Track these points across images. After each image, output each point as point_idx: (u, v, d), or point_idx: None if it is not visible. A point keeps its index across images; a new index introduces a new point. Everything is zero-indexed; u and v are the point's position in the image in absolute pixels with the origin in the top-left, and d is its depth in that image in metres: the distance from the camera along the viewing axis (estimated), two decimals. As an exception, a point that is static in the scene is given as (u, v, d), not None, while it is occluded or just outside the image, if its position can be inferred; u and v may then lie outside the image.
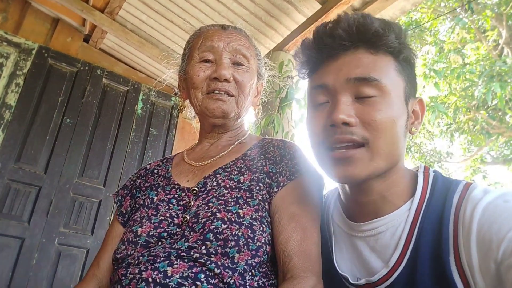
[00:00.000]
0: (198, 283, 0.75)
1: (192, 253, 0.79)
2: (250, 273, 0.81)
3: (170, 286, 0.75)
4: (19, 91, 3.14)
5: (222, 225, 0.81)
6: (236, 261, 0.79)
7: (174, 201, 0.94)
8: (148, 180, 1.07)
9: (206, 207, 0.87)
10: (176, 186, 0.98)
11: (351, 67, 0.80)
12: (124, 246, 0.88)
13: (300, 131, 2.94)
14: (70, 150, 3.26)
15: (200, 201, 0.90)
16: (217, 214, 0.84)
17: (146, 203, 0.97)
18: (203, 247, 0.79)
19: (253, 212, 0.86)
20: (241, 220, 0.83)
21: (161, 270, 0.77)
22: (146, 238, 0.86)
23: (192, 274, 0.76)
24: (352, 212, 0.89)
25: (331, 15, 2.57)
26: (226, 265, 0.78)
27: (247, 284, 0.79)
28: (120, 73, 3.80)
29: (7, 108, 3.07)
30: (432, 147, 9.43)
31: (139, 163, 3.58)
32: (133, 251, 0.86)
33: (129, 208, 1.05)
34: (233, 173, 0.95)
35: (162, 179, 1.04)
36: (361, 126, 0.77)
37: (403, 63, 0.83)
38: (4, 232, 2.86)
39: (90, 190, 3.29)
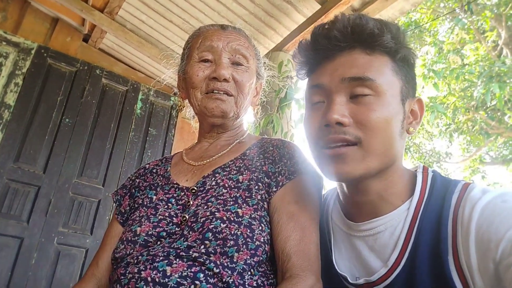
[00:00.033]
0: (197, 282, 0.75)
1: (191, 252, 0.79)
2: (249, 273, 0.81)
3: (169, 286, 0.75)
4: (18, 90, 3.13)
5: (221, 224, 0.81)
6: (235, 260, 0.79)
7: (173, 200, 0.94)
8: (147, 180, 1.07)
9: (205, 207, 0.87)
10: (175, 185, 0.98)
11: (346, 67, 0.80)
12: (123, 246, 0.88)
13: (299, 131, 2.95)
14: (69, 149, 3.26)
15: (199, 200, 0.90)
16: (216, 213, 0.84)
17: (145, 203, 0.97)
18: (202, 247, 0.80)
19: (252, 212, 0.86)
20: (240, 219, 0.83)
21: (160, 269, 0.77)
22: (145, 238, 0.86)
23: (191, 274, 0.76)
24: (350, 211, 0.89)
25: (331, 16, 2.57)
26: (225, 264, 0.78)
27: (246, 283, 0.79)
28: (119, 73, 3.79)
29: (6, 107, 3.06)
30: (431, 147, 9.45)
31: (138, 163, 3.58)
32: (132, 250, 0.86)
33: (128, 208, 1.05)
34: (232, 173, 0.95)
35: (161, 178, 1.04)
36: (355, 126, 0.77)
37: (400, 63, 0.83)
38: (3, 232, 2.85)
39: (89, 190, 3.29)
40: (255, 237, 0.82)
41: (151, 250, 0.83)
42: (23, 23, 3.42)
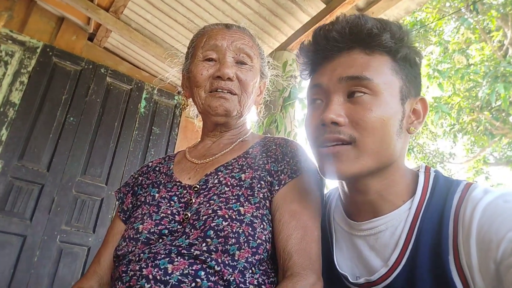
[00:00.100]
0: (198, 280, 0.76)
1: (192, 250, 0.79)
2: (250, 271, 0.81)
3: (171, 283, 0.75)
4: (23, 89, 3.15)
5: (223, 222, 0.82)
6: (236, 258, 0.79)
7: (176, 198, 0.95)
8: (150, 178, 1.08)
9: (207, 205, 0.88)
10: (178, 183, 0.99)
11: (344, 67, 0.81)
12: (125, 243, 0.89)
13: (302, 130, 2.94)
14: (73, 148, 3.28)
15: (201, 198, 0.91)
16: (218, 211, 0.84)
17: (148, 200, 0.98)
18: (204, 244, 0.80)
19: (254, 210, 0.86)
20: (242, 217, 0.83)
21: (162, 267, 0.78)
22: (147, 235, 0.87)
23: (193, 271, 0.77)
24: (351, 211, 0.90)
25: (336, 15, 2.56)
26: (227, 262, 0.78)
27: (247, 281, 0.79)
28: (124, 72, 3.81)
29: (11, 106, 3.08)
30: (435, 147, 9.41)
31: (142, 162, 3.59)
32: (134, 248, 0.86)
33: (130, 205, 1.06)
34: (235, 171, 0.96)
35: (164, 176, 1.05)
36: (350, 125, 0.78)
37: (401, 63, 0.83)
38: (6, 230, 2.87)
39: (93, 188, 3.31)
40: (256, 235, 0.82)
41: (153, 247, 0.83)
42: (28, 22, 3.44)
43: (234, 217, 0.83)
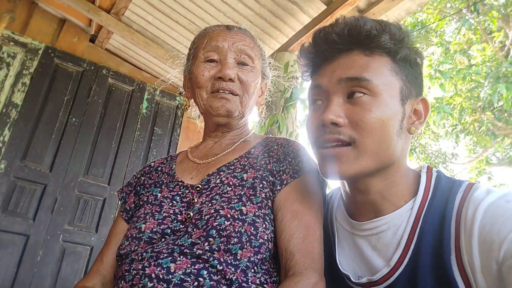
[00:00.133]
0: (200, 279, 0.76)
1: (195, 249, 0.80)
2: (252, 270, 0.81)
3: (173, 282, 0.75)
4: (25, 90, 3.16)
5: (225, 222, 0.82)
6: (238, 257, 0.79)
7: (178, 198, 0.95)
8: (152, 177, 1.08)
9: (210, 204, 0.88)
10: (180, 183, 0.99)
11: (344, 68, 0.82)
12: (128, 242, 0.89)
13: (304, 131, 2.94)
14: (76, 148, 3.29)
15: (204, 198, 0.91)
16: (220, 211, 0.85)
17: (150, 200, 0.98)
18: (206, 244, 0.80)
19: (256, 210, 0.86)
20: (244, 217, 0.84)
21: (164, 266, 0.78)
22: (150, 235, 0.87)
23: (195, 271, 0.77)
24: (353, 211, 0.90)
25: (336, 16, 2.57)
26: (229, 261, 0.78)
27: (250, 280, 0.79)
28: (125, 73, 3.82)
29: (14, 107, 3.09)
30: (437, 148, 9.40)
31: (144, 162, 3.60)
32: (136, 247, 0.87)
33: (133, 205, 1.06)
34: (237, 171, 0.96)
35: (166, 176, 1.05)
36: (350, 126, 0.78)
37: (402, 63, 0.83)
38: (10, 229, 2.88)
39: (95, 188, 3.32)
40: (258, 234, 0.82)
41: (156, 247, 0.84)
42: (30, 23, 3.45)
43: (236, 216, 0.83)
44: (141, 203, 1.01)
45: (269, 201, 0.91)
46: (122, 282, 0.82)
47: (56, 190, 3.13)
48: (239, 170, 0.96)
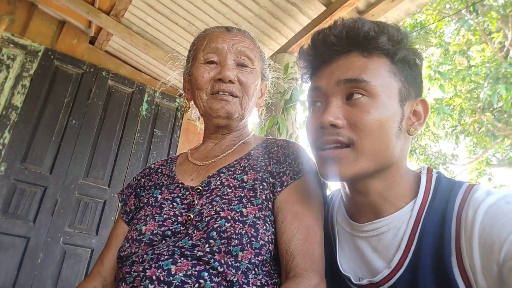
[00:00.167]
0: (201, 281, 0.76)
1: (195, 251, 0.80)
2: (253, 272, 0.81)
3: (174, 284, 0.75)
4: (25, 92, 3.17)
5: (226, 223, 0.82)
6: (239, 259, 0.79)
7: (178, 199, 0.95)
8: (152, 179, 1.08)
9: (210, 206, 0.88)
10: (180, 185, 0.99)
11: (342, 70, 0.82)
12: (128, 244, 0.89)
13: (304, 132, 2.94)
14: (76, 150, 3.29)
15: (204, 200, 0.91)
16: (220, 212, 0.85)
17: (150, 202, 0.98)
18: (207, 245, 0.80)
19: (257, 211, 0.86)
20: (244, 219, 0.84)
21: (165, 268, 0.78)
22: (150, 236, 0.87)
23: (196, 272, 0.77)
24: (353, 212, 0.90)
25: (336, 17, 2.57)
26: (230, 263, 0.78)
27: (250, 282, 0.79)
28: (125, 74, 3.82)
29: (14, 109, 3.10)
30: (437, 149, 9.39)
31: (144, 164, 3.60)
32: (137, 249, 0.87)
33: (133, 207, 1.06)
34: (237, 172, 0.96)
35: (166, 178, 1.05)
36: (348, 128, 0.79)
37: (400, 64, 0.83)
38: (10, 232, 2.89)
39: (95, 191, 3.32)
40: (259, 236, 0.82)
41: (156, 249, 0.84)
42: (30, 25, 3.46)
43: (236, 218, 0.83)
44: (142, 205, 1.01)
45: (269, 202, 0.91)
46: (123, 284, 0.82)
47: (56, 192, 3.13)
48: (239, 171, 0.96)
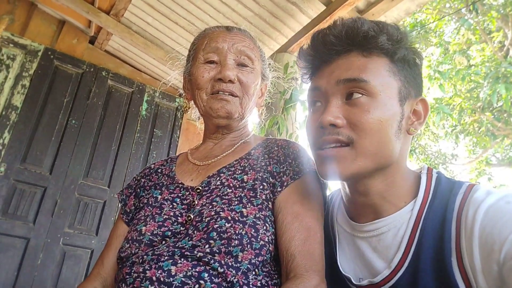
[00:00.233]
0: (201, 282, 0.76)
1: (195, 252, 0.80)
2: (253, 272, 0.81)
3: (174, 285, 0.75)
4: (25, 92, 3.16)
5: (226, 224, 0.82)
6: (239, 260, 0.79)
7: (178, 200, 0.95)
8: (152, 179, 1.08)
9: (210, 206, 0.88)
10: (180, 185, 0.99)
11: (342, 69, 0.82)
12: (128, 245, 0.89)
13: (304, 132, 2.94)
14: (75, 151, 3.28)
15: (204, 200, 0.91)
16: (221, 213, 0.84)
17: (150, 202, 0.98)
18: (207, 246, 0.80)
19: (257, 211, 0.86)
20: (244, 219, 0.83)
21: (165, 269, 0.78)
22: (150, 237, 0.87)
23: (196, 273, 0.77)
24: (354, 212, 0.90)
25: (336, 17, 2.57)
26: (230, 264, 0.78)
27: (251, 283, 0.79)
28: (125, 74, 3.82)
29: (13, 109, 3.09)
30: (437, 149, 9.39)
31: (144, 164, 3.60)
32: (137, 249, 0.87)
33: (133, 207, 1.06)
34: (237, 172, 0.96)
35: (166, 178, 1.05)
36: (348, 127, 0.79)
37: (400, 64, 0.83)
38: (10, 232, 2.88)
39: (95, 191, 3.31)
40: (259, 236, 0.82)
41: (156, 249, 0.83)
42: (30, 25, 3.45)
43: (237, 218, 0.83)
44: (141, 205, 1.01)
45: (269, 202, 0.91)
46: (123, 285, 0.82)
47: (56, 193, 3.13)
48: (239, 171, 0.96)
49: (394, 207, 0.82)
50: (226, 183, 0.93)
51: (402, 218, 0.81)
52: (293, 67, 2.87)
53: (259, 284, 0.81)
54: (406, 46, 0.83)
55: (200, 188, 0.95)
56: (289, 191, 0.91)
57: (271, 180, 0.94)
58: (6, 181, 2.94)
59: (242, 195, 0.89)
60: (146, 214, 0.94)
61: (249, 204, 0.87)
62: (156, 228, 0.88)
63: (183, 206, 0.93)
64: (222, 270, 0.77)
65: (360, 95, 0.79)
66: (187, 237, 0.84)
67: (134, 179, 1.14)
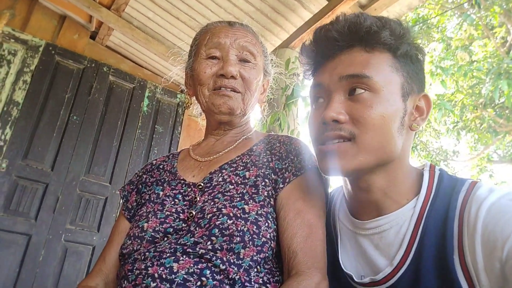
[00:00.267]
0: (203, 279, 0.76)
1: (197, 249, 0.79)
2: (255, 269, 0.81)
3: (176, 282, 0.75)
4: (26, 88, 3.16)
5: (228, 220, 0.82)
6: (241, 257, 0.79)
7: (180, 196, 0.95)
8: (154, 175, 1.08)
9: (212, 203, 0.88)
10: (182, 181, 0.99)
11: (344, 65, 0.82)
12: (130, 241, 0.89)
13: (305, 128, 2.94)
14: (77, 147, 3.29)
15: (206, 196, 0.91)
16: (222, 209, 0.84)
17: (152, 198, 0.98)
18: (209, 243, 0.80)
19: (259, 208, 0.86)
20: (246, 216, 0.83)
21: (167, 266, 0.78)
22: (152, 234, 0.87)
23: (198, 270, 0.77)
24: (356, 209, 0.89)
25: (338, 12, 2.56)
26: (232, 261, 0.78)
27: (252, 280, 0.79)
28: (126, 70, 3.81)
29: (15, 105, 3.09)
30: (438, 145, 9.38)
31: (145, 160, 3.60)
32: (139, 246, 0.86)
33: (135, 203, 1.06)
34: (239, 169, 0.95)
35: (168, 174, 1.05)
36: (351, 122, 0.79)
37: (402, 59, 0.83)
38: (12, 229, 2.89)
39: (97, 187, 3.32)
40: (261, 233, 0.82)
41: (158, 246, 0.83)
42: (31, 20, 3.45)
43: (238, 215, 0.83)
44: (143, 201, 1.01)
45: (271, 199, 0.90)
46: (125, 281, 0.82)
47: (58, 189, 3.13)
48: (241, 168, 0.96)
49: (396, 204, 0.82)
50: (228, 180, 0.93)
51: (404, 215, 0.81)
52: (294, 63, 2.86)
53: (261, 281, 0.81)
54: (408, 41, 0.83)
55: (202, 184, 0.94)
56: (291, 188, 0.91)
57: (273, 176, 0.93)
58: (8, 177, 2.94)
59: (244, 191, 0.89)
60: (148, 210, 0.94)
61: (251, 200, 0.87)
62: (158, 224, 0.88)
63: (185, 203, 0.93)
64: (224, 267, 0.77)
65: (363, 91, 0.79)
66: (189, 234, 0.84)
67: (136, 175, 1.14)
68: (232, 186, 0.91)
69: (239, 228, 0.81)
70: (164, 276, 0.76)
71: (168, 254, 0.80)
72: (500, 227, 0.66)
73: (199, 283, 0.75)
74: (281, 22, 3.08)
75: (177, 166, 1.07)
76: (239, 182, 0.92)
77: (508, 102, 5.62)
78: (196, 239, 0.81)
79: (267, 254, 0.82)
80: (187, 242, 0.82)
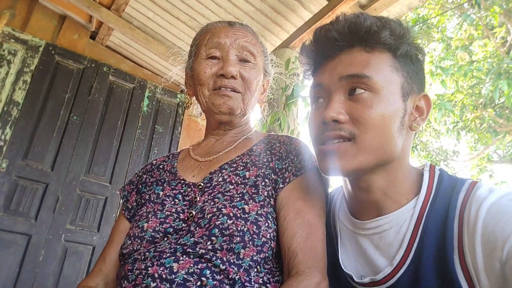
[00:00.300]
0: (203, 279, 0.76)
1: (197, 249, 0.79)
2: (255, 269, 0.81)
3: (176, 282, 0.75)
4: (26, 88, 3.16)
5: (228, 220, 0.82)
6: (241, 257, 0.79)
7: (180, 196, 0.95)
8: (154, 175, 1.08)
9: (212, 203, 0.88)
10: (182, 181, 0.99)
11: (344, 65, 0.82)
12: (130, 241, 0.89)
13: (305, 128, 2.94)
14: (77, 147, 3.29)
15: (206, 196, 0.91)
16: (222, 209, 0.84)
17: (152, 198, 0.98)
18: (209, 243, 0.80)
19: (259, 208, 0.86)
20: (246, 215, 0.83)
21: (167, 266, 0.78)
22: (152, 234, 0.87)
23: (198, 270, 0.77)
24: (356, 209, 0.89)
25: (337, 12, 2.56)
26: (232, 261, 0.78)
27: (252, 280, 0.79)
28: (126, 70, 3.81)
29: (15, 105, 3.09)
30: (438, 145, 9.37)
31: (145, 160, 3.60)
32: (139, 246, 0.86)
33: (135, 203, 1.06)
34: (239, 169, 0.96)
35: (168, 174, 1.05)
36: (351, 122, 0.79)
37: (402, 59, 0.83)
38: (12, 229, 2.89)
39: (97, 187, 3.32)
40: (261, 233, 0.82)
41: (158, 246, 0.83)
42: (31, 20, 3.45)
43: (238, 215, 0.83)
44: (143, 201, 1.01)
45: (271, 199, 0.90)
46: (125, 281, 0.82)
47: (58, 189, 3.13)
48: (241, 168, 0.96)
49: (396, 204, 0.82)
50: (228, 180, 0.93)
51: (404, 215, 0.80)
52: (294, 63, 2.86)
53: (261, 281, 0.81)
54: (408, 41, 0.83)
55: (202, 184, 0.94)
56: (291, 188, 0.91)
57: (273, 176, 0.93)
58: (8, 177, 2.94)
59: (244, 191, 0.89)
60: (148, 210, 0.94)
61: (251, 200, 0.87)
62: (158, 224, 0.88)
63: (185, 203, 0.93)
64: (224, 267, 0.77)
65: (363, 91, 0.79)
66: (189, 234, 0.84)
67: (136, 175, 1.14)
68: (232, 186, 0.91)
69: (239, 228, 0.80)
70: (164, 276, 0.76)
71: (168, 254, 0.80)
72: (500, 227, 0.66)
73: (199, 283, 0.75)
74: (281, 22, 3.08)
75: (177, 166, 1.07)
76: (239, 182, 0.92)
77: (508, 102, 5.62)
78: (196, 239, 0.81)
79: (267, 254, 0.82)
80: (187, 242, 0.82)
